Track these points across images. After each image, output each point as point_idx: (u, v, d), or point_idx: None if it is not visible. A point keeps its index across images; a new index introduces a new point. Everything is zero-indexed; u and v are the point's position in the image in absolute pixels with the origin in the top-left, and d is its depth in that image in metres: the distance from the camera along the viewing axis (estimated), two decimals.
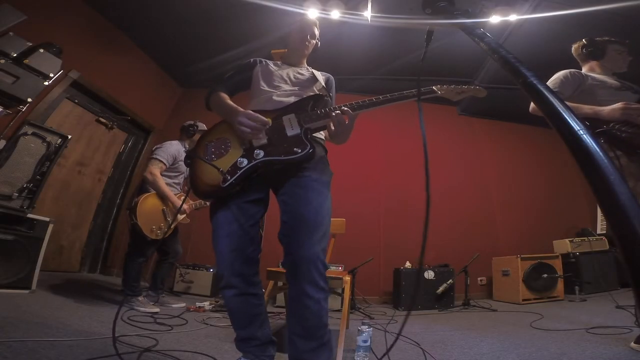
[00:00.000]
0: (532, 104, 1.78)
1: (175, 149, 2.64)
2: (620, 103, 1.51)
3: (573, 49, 1.96)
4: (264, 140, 1.12)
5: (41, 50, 2.68)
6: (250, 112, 1.14)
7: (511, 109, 3.96)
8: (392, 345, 0.82)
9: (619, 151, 1.54)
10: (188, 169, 1.22)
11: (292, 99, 1.26)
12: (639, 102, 1.59)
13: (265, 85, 1.33)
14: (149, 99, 4.34)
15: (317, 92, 1.33)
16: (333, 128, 1.14)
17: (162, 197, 2.48)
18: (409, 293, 3.19)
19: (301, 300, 0.99)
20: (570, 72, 1.76)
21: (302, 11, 2.90)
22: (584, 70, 1.88)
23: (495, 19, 2.99)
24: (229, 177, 1.09)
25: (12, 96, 2.49)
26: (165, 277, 2.70)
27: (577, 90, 1.74)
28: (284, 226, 1.07)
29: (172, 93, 4.76)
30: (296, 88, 1.33)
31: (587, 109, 1.60)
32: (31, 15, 2.62)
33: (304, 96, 1.26)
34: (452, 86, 1.24)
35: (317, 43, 1.50)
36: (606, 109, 1.54)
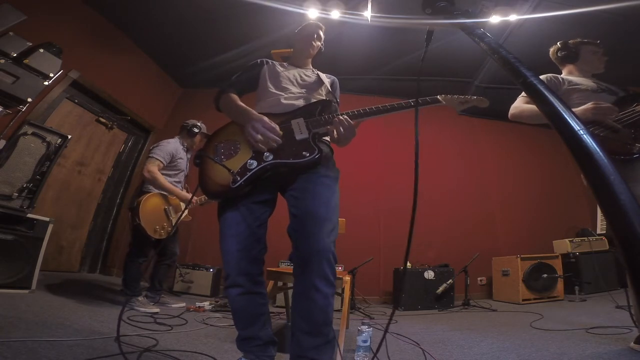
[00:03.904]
0: (511, 110, 1.74)
1: (172, 147, 2.61)
2: (590, 103, 1.47)
3: (550, 53, 1.91)
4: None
5: (41, 50, 2.68)
6: (266, 120, 1.13)
7: None
8: (381, 342, 0.81)
9: None
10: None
11: (300, 102, 1.27)
12: (614, 103, 1.53)
13: (272, 87, 1.33)
14: (149, 99, 4.34)
15: (325, 97, 1.34)
16: (342, 131, 1.13)
17: (166, 192, 2.46)
18: (409, 293, 3.18)
19: (309, 294, 0.99)
20: (547, 78, 1.73)
21: (302, 11, 2.89)
22: (564, 73, 1.83)
23: (495, 19, 2.99)
24: (238, 178, 1.10)
25: (12, 96, 2.50)
26: (162, 278, 2.69)
27: None
28: (293, 220, 1.09)
29: (172, 93, 4.76)
30: (304, 91, 1.33)
31: None
32: (31, 15, 2.62)
33: (312, 100, 1.28)
34: (456, 96, 1.26)
35: (321, 47, 1.50)
36: (577, 110, 1.49)
